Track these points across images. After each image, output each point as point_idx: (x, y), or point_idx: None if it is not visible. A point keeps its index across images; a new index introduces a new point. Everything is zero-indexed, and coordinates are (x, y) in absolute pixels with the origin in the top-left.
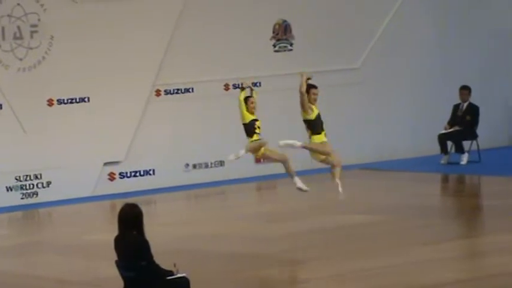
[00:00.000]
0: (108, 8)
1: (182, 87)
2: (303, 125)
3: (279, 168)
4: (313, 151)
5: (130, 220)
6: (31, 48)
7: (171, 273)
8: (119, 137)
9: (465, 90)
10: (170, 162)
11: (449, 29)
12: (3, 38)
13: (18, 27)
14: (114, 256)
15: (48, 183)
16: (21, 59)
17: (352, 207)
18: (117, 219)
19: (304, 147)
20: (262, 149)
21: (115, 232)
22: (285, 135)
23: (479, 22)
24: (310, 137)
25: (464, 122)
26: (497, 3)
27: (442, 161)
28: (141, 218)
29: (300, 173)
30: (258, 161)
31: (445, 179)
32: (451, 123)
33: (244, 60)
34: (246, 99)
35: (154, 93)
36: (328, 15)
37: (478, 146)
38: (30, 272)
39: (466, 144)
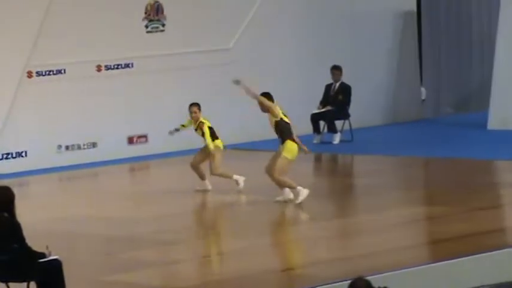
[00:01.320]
0: None
1: (54, 68)
2: (174, 106)
3: (151, 149)
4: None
5: (2, 203)
6: None
7: (43, 255)
8: None
9: (336, 70)
10: (42, 144)
11: (320, 10)
12: None
13: None
14: None
15: None
16: None
17: (227, 188)
18: None
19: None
20: None
21: None
22: (155, 115)
23: (348, 4)
24: (283, 144)
25: (336, 101)
26: None
27: (315, 141)
28: (13, 201)
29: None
30: (131, 141)
31: (318, 159)
32: (324, 103)
33: (116, 41)
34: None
35: (26, 74)
36: None
37: (350, 125)
38: None
39: (338, 123)
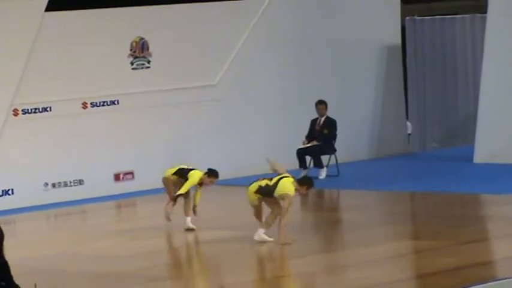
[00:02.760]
0: None
1: (40, 106)
2: (160, 142)
3: (138, 186)
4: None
5: None
6: None
7: None
8: None
9: (321, 104)
10: (29, 182)
11: (304, 46)
12: None
13: None
14: None
15: None
16: None
17: (214, 224)
18: None
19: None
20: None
21: None
22: (142, 152)
23: (333, 39)
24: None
25: (322, 136)
26: (350, 20)
27: (301, 176)
28: (2, 240)
29: None
30: (117, 178)
31: (305, 194)
32: (309, 137)
33: (102, 78)
34: None
35: (12, 112)
36: (184, 33)
37: (336, 160)
38: None
39: (324, 158)
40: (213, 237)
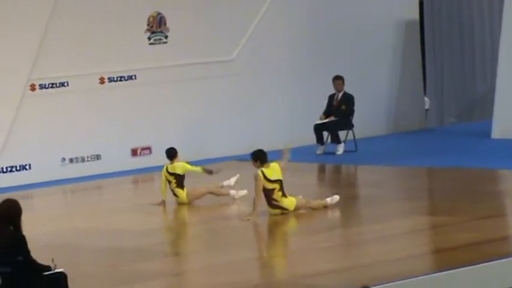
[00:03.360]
0: None
1: (57, 81)
2: (177, 117)
3: (155, 161)
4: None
5: (8, 216)
6: None
7: (48, 268)
8: None
9: (338, 80)
10: (46, 157)
11: (322, 21)
12: None
13: None
14: None
15: None
16: None
17: (228, 199)
18: None
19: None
20: None
21: None
22: (159, 126)
23: (351, 14)
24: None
25: (339, 111)
26: None
27: (318, 151)
28: (19, 215)
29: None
30: (135, 153)
31: (322, 169)
32: (327, 113)
33: (119, 53)
34: None
35: (29, 87)
36: (202, 7)
37: (354, 135)
38: None
39: (342, 134)
40: (229, 213)
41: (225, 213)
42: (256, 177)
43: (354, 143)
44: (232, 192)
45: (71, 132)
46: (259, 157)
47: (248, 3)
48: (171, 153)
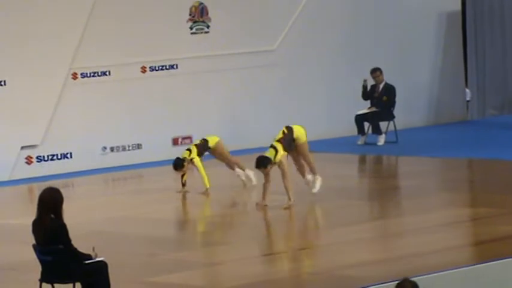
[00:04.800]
0: None
1: (99, 70)
2: (218, 107)
3: None
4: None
5: (50, 204)
6: None
7: (89, 257)
8: (36, 120)
9: (375, 72)
10: (87, 146)
11: (364, 12)
12: None
13: None
14: (31, 240)
15: None
16: None
17: (271, 189)
18: (37, 202)
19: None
20: None
21: (33, 216)
22: (200, 116)
23: (393, 5)
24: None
25: (381, 102)
26: None
27: (359, 142)
28: (61, 204)
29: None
30: (175, 142)
31: (363, 160)
32: (370, 101)
33: (161, 43)
34: None
35: (71, 76)
36: None
37: (395, 126)
38: None
39: (383, 125)
40: (271, 203)
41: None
42: (280, 163)
43: (394, 134)
44: (243, 172)
45: (112, 121)
46: (264, 163)
47: None
48: (178, 164)
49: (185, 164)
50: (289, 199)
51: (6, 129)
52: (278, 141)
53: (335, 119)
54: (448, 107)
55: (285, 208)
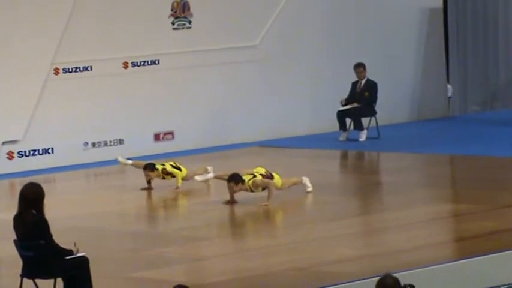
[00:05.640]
0: None
1: (81, 65)
2: (200, 102)
3: (178, 146)
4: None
5: (31, 199)
6: None
7: (70, 252)
8: (17, 115)
9: (359, 67)
10: (69, 141)
11: (346, 8)
12: None
13: None
14: (13, 235)
15: None
16: None
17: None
18: (18, 197)
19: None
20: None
21: (14, 212)
22: (182, 112)
23: (375, 1)
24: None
25: (362, 98)
26: None
27: (341, 138)
28: (42, 199)
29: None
30: (157, 138)
31: (344, 156)
32: (350, 100)
33: (142, 38)
34: None
35: (53, 71)
36: None
37: (376, 122)
38: None
39: (365, 121)
40: (251, 198)
41: (245, 199)
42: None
43: (376, 130)
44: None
45: (93, 117)
46: (236, 178)
47: None
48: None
49: (155, 170)
50: (268, 199)
51: None
52: (266, 173)
53: (317, 115)
54: (430, 103)
55: (262, 205)
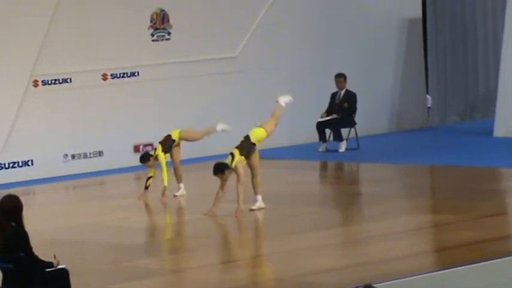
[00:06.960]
0: None
1: (60, 77)
2: (180, 114)
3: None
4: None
5: (10, 212)
6: None
7: (50, 264)
8: None
9: (340, 77)
10: (48, 153)
11: (325, 18)
12: None
13: None
14: None
15: None
16: None
17: (233, 196)
18: None
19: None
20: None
21: None
22: (161, 123)
23: (354, 12)
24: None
25: (342, 109)
26: None
27: (321, 149)
28: (21, 210)
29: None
30: (137, 149)
31: (324, 167)
32: (329, 111)
33: (122, 50)
34: None
35: (32, 83)
36: (205, 4)
37: (356, 133)
38: None
39: (344, 131)
40: (232, 210)
41: (228, 209)
42: (235, 168)
43: (356, 141)
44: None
45: (73, 129)
46: (221, 168)
47: (251, 0)
48: (143, 156)
49: (151, 158)
50: (238, 204)
51: None
52: (236, 147)
53: (297, 126)
54: (409, 113)
55: (236, 216)
